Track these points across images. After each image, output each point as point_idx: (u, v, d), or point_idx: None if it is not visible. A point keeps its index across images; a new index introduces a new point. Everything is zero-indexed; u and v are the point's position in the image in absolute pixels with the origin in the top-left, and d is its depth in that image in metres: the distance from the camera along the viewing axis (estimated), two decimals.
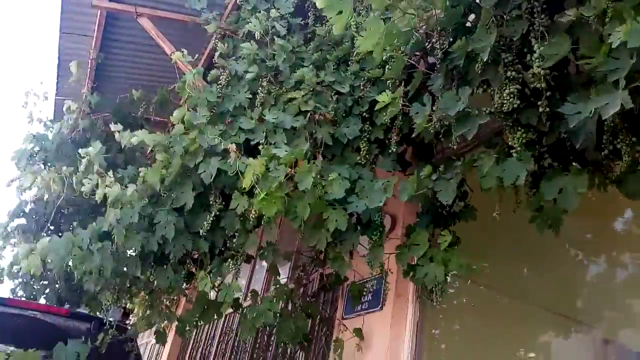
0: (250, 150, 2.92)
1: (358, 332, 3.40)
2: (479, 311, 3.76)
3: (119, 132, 3.27)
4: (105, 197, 3.15)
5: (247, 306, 3.47)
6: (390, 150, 2.81)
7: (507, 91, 2.00)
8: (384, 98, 2.31)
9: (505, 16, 2.02)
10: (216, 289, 3.11)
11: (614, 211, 2.91)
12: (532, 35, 1.95)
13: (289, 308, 3.84)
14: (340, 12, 1.90)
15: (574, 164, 2.04)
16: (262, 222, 2.73)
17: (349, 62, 3.15)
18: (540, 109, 1.95)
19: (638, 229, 2.95)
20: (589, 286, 3.25)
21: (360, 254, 3.12)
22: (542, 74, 1.87)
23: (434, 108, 2.26)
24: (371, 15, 1.94)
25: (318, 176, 2.50)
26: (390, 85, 2.72)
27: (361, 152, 2.88)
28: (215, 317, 3.27)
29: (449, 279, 2.51)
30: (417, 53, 2.77)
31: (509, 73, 2.02)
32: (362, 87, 3.00)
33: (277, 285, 3.45)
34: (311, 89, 2.96)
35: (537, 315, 3.37)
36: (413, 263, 2.60)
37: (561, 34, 1.80)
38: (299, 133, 2.83)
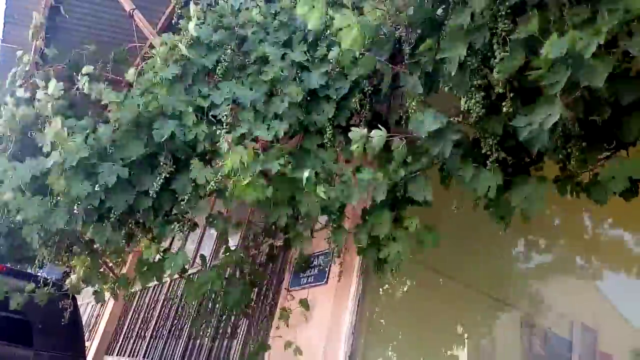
0: (210, 119, 2.85)
1: (304, 303, 3.44)
2: (418, 289, 3.89)
3: (84, 75, 3.10)
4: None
5: (194, 272, 3.44)
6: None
7: (473, 100, 2.01)
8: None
9: (471, 23, 2.04)
10: (161, 254, 3.04)
11: (550, 206, 3.06)
12: (495, 40, 1.95)
13: (237, 275, 3.84)
14: (313, 7, 1.85)
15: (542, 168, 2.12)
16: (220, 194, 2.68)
17: (317, 46, 3.08)
18: (504, 112, 1.95)
19: (571, 224, 3.12)
20: (521, 273, 3.42)
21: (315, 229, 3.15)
22: (503, 80, 1.89)
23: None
24: (344, 12, 1.90)
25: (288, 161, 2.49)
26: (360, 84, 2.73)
27: (325, 136, 2.84)
28: (155, 281, 3.20)
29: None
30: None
31: (474, 81, 2.02)
32: (329, 72, 2.94)
33: (227, 253, 3.41)
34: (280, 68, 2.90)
35: (472, 297, 3.52)
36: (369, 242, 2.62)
37: (517, 47, 1.83)
38: (266, 112, 2.77)
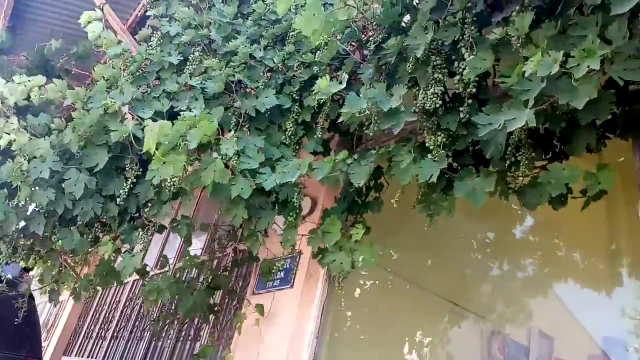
0: (173, 116, 2.79)
1: (260, 309, 3.39)
2: (384, 294, 3.90)
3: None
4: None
5: (153, 275, 3.35)
6: (315, 135, 2.80)
7: (431, 90, 2.05)
8: (322, 84, 2.27)
9: (440, 21, 2.05)
10: (121, 256, 2.96)
11: (509, 216, 3.12)
12: (461, 44, 2.00)
13: (200, 279, 3.76)
14: None
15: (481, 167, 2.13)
16: (179, 195, 2.64)
17: (285, 42, 3.08)
18: (462, 115, 2.02)
19: (530, 234, 3.18)
20: (482, 281, 3.46)
21: (278, 233, 3.11)
22: (471, 80, 1.93)
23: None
24: (311, 1, 1.89)
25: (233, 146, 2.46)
26: (321, 70, 2.71)
27: (286, 132, 2.84)
28: (115, 284, 3.12)
29: (359, 264, 2.55)
30: (353, 43, 2.77)
31: (436, 75, 2.06)
32: (295, 68, 2.95)
33: (187, 257, 3.34)
34: (243, 62, 2.87)
35: (435, 302, 3.55)
36: (323, 247, 2.63)
37: (486, 50, 1.86)
38: (221, 102, 2.73)
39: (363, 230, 2.52)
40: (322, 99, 2.43)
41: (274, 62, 2.91)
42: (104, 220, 3.18)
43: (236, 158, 2.52)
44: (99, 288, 3.25)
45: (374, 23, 2.40)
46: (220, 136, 2.54)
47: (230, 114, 2.76)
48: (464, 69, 1.90)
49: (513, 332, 3.27)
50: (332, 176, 2.43)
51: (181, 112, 2.65)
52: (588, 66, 1.41)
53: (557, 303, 3.06)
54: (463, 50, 1.95)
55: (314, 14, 1.87)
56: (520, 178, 2.01)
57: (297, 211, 2.72)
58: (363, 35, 2.63)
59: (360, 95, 2.22)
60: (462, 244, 3.46)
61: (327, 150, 3.01)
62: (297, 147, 2.90)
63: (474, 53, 1.91)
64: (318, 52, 2.66)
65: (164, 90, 2.79)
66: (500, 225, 3.28)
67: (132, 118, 2.63)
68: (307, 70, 2.87)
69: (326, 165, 2.39)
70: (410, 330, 3.71)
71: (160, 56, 2.97)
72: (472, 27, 2.03)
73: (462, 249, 3.49)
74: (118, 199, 2.84)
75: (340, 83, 2.43)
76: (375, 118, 2.22)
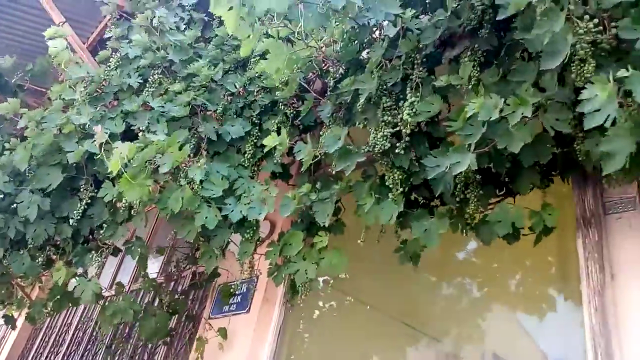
0: (131, 137, 2.76)
1: (222, 332, 3.35)
2: (341, 318, 3.90)
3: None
4: None
5: (109, 297, 3.26)
6: (275, 161, 2.82)
7: (381, 133, 2.12)
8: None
9: (388, 64, 2.14)
10: (76, 279, 2.87)
11: (463, 238, 3.20)
12: (409, 84, 2.07)
13: (156, 303, 3.68)
14: (249, 37, 1.87)
15: (438, 207, 2.23)
16: (132, 214, 2.60)
17: (247, 66, 3.11)
18: (402, 150, 2.10)
19: (479, 258, 3.27)
20: (437, 304, 3.52)
21: (236, 256, 3.10)
22: (409, 122, 2.00)
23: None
24: (273, 41, 1.94)
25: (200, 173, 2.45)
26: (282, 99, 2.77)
27: (245, 155, 2.85)
28: (71, 305, 3.02)
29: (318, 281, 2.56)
30: (312, 73, 2.82)
31: (385, 117, 2.13)
32: (255, 93, 2.98)
33: (145, 279, 3.27)
34: (204, 85, 2.88)
35: (391, 325, 3.58)
36: (281, 263, 2.61)
37: (435, 95, 1.96)
38: (182, 124, 2.73)
39: (327, 237, 2.51)
40: (281, 151, 2.47)
41: (235, 87, 2.93)
42: (57, 243, 3.09)
43: (199, 184, 2.53)
44: (52, 312, 3.13)
45: (334, 59, 2.47)
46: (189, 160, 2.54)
47: (189, 136, 2.76)
48: (405, 111, 1.99)
49: (467, 356, 3.33)
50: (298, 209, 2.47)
51: (140, 132, 2.64)
52: (522, 113, 1.51)
53: (511, 325, 3.14)
54: (408, 91, 2.03)
55: (275, 54, 1.92)
56: (476, 214, 2.08)
57: (255, 228, 2.72)
58: (324, 66, 2.69)
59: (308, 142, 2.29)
60: (418, 266, 3.51)
61: (287, 174, 3.04)
62: (256, 169, 2.91)
63: (418, 94, 1.99)
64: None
65: (121, 111, 2.77)
66: (455, 248, 3.36)
67: (104, 142, 2.58)
68: (267, 95, 2.91)
69: (291, 202, 2.42)
70: (367, 353, 3.72)
71: (120, 78, 2.94)
72: (421, 68, 2.11)
73: (417, 271, 3.55)
74: (71, 220, 2.77)
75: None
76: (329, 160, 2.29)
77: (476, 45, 1.97)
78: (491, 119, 1.59)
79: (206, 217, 2.43)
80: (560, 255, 2.63)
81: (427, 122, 2.13)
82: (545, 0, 1.44)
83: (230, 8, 1.71)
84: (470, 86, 1.83)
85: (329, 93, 2.53)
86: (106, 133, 2.64)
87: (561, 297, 2.61)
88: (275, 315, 3.42)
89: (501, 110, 1.57)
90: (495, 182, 2.16)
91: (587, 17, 1.46)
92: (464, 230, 2.15)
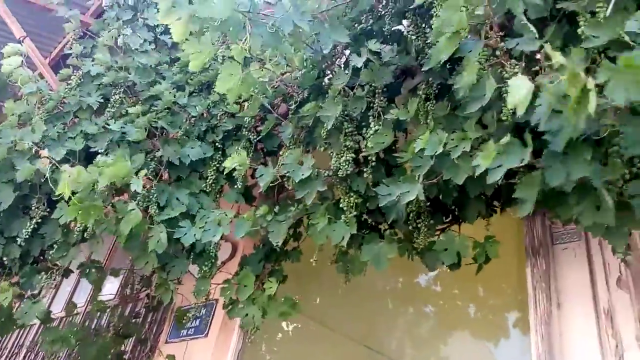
0: (89, 157, 2.71)
1: (171, 359, 3.26)
2: (302, 341, 3.87)
3: None
4: None
5: (62, 319, 3.14)
6: (237, 186, 2.81)
7: (343, 158, 2.16)
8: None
9: (351, 92, 2.19)
10: (23, 301, 2.76)
11: (421, 266, 3.26)
12: (370, 113, 2.13)
13: (110, 326, 3.58)
14: (199, 51, 1.88)
15: (388, 231, 2.26)
16: (85, 236, 2.53)
17: (212, 90, 3.11)
18: (366, 175, 2.14)
19: (437, 283, 3.33)
20: (398, 327, 3.55)
21: (196, 277, 3.05)
22: (371, 148, 2.05)
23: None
24: (227, 62, 1.96)
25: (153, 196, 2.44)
26: (246, 124, 2.79)
27: (207, 180, 2.83)
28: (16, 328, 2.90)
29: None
30: (279, 98, 2.85)
31: (347, 142, 2.18)
32: (219, 117, 2.98)
33: (94, 303, 3.18)
34: (167, 108, 2.87)
35: (351, 347, 3.58)
36: (236, 298, 2.60)
37: (388, 127, 2.03)
38: (142, 147, 2.70)
39: (277, 284, 2.53)
40: (240, 172, 2.48)
41: (198, 110, 2.93)
42: (4, 262, 2.97)
43: (156, 208, 2.50)
44: None
45: (295, 84, 2.51)
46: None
47: (149, 159, 2.72)
48: (369, 139, 2.04)
49: None
50: (255, 231, 2.47)
51: (98, 154, 2.60)
52: (464, 148, 1.57)
53: (466, 350, 3.18)
54: (371, 119, 2.08)
55: (230, 74, 1.94)
56: (423, 241, 2.13)
57: (213, 260, 2.69)
58: (288, 90, 2.72)
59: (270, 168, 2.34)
60: (377, 289, 3.55)
61: (250, 198, 3.03)
62: (218, 195, 2.89)
63: (381, 123, 2.04)
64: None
65: (81, 131, 2.72)
66: (415, 272, 3.40)
67: (48, 161, 2.52)
68: (231, 119, 2.91)
69: (246, 223, 2.41)
70: None
71: (79, 97, 2.90)
72: (382, 98, 2.16)
73: (377, 294, 3.58)
74: (19, 239, 2.68)
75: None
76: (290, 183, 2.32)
77: (430, 79, 2.03)
78: (437, 153, 1.65)
79: (158, 241, 2.40)
80: (515, 282, 2.69)
81: (385, 150, 2.18)
82: (469, 59, 1.53)
83: (179, 18, 1.72)
84: (419, 119, 1.89)
85: (290, 115, 2.56)
86: (63, 153, 2.60)
87: (513, 324, 2.66)
88: (234, 340, 3.36)
89: (445, 145, 1.63)
90: (443, 210, 2.22)
91: (513, 61, 1.56)
92: (410, 256, 2.20)
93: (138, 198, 2.43)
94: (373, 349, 3.56)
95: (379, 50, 2.21)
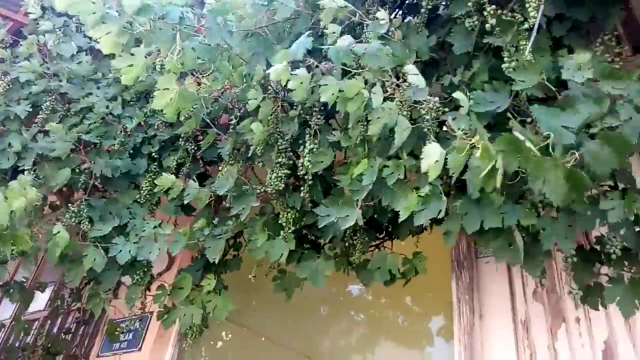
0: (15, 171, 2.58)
1: None
2: (241, 352, 3.85)
3: None
4: None
5: None
6: (173, 198, 2.76)
7: (275, 174, 2.17)
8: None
9: (288, 109, 2.22)
10: None
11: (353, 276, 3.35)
12: (307, 131, 2.15)
13: (38, 342, 3.41)
14: (132, 65, 1.85)
15: (327, 245, 2.31)
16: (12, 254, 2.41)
17: (149, 99, 3.04)
18: (302, 194, 2.17)
19: (370, 294, 3.43)
20: (332, 336, 3.61)
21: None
22: (309, 167, 2.08)
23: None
24: (163, 76, 1.93)
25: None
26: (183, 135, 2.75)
27: (142, 192, 2.76)
28: None
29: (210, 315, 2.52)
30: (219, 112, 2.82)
31: (280, 159, 2.19)
32: (156, 127, 2.92)
33: (16, 322, 3.02)
34: (101, 118, 2.78)
35: (290, 357, 3.61)
36: (171, 305, 2.55)
37: (327, 148, 2.07)
38: (68, 163, 2.60)
39: (215, 280, 2.50)
40: (177, 191, 2.46)
41: (134, 122, 2.84)
42: None
43: (87, 223, 2.42)
44: None
45: (235, 100, 2.50)
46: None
47: (78, 173, 2.62)
48: (306, 158, 2.06)
49: None
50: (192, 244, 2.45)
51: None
52: (399, 175, 1.65)
53: (400, 357, 3.29)
54: (307, 137, 2.11)
55: (166, 88, 1.91)
56: (358, 257, 2.20)
57: (146, 270, 2.63)
58: (229, 105, 2.71)
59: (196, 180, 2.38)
60: (314, 299, 3.59)
61: (189, 209, 2.99)
62: (155, 207, 2.82)
63: (317, 142, 2.08)
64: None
65: (9, 144, 2.58)
66: (349, 281, 3.48)
67: None
68: (168, 130, 2.86)
69: (182, 238, 2.39)
70: None
71: (5, 106, 2.74)
72: (319, 116, 2.19)
73: (314, 303, 3.63)
74: None
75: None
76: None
77: None
78: (374, 180, 1.72)
79: (94, 260, 2.32)
80: (443, 293, 2.82)
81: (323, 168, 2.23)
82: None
83: (108, 32, 1.69)
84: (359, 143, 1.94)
85: (230, 131, 2.56)
86: None
87: (439, 333, 2.79)
88: (169, 353, 3.29)
89: (381, 171, 1.70)
90: (377, 228, 2.30)
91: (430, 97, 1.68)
92: (346, 271, 2.25)
93: (67, 215, 2.34)
94: (310, 358, 3.61)
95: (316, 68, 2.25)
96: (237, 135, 2.42)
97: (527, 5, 1.72)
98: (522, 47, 1.73)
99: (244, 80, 2.48)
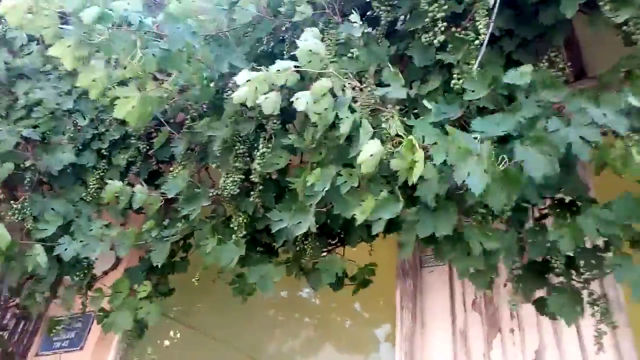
0: None
1: None
2: (186, 353, 3.81)
3: None
4: None
5: None
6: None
7: (231, 179, 2.15)
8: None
9: (243, 114, 2.21)
10: None
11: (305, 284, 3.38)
12: (262, 135, 2.13)
13: None
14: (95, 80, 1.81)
15: (280, 249, 2.32)
16: None
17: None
18: (252, 199, 2.17)
19: (319, 298, 3.47)
20: (280, 337, 3.63)
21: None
22: (259, 172, 2.07)
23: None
24: (124, 87, 1.89)
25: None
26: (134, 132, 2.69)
27: (89, 189, 2.67)
28: None
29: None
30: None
31: (237, 163, 2.18)
32: (108, 123, 2.83)
33: None
34: (50, 113, 2.68)
35: (234, 357, 3.60)
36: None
37: (282, 151, 2.07)
38: (13, 157, 2.50)
39: (150, 287, 2.46)
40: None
41: (84, 117, 2.75)
42: None
43: (31, 222, 2.34)
44: None
45: (193, 100, 2.47)
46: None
47: (23, 168, 2.52)
48: (256, 161, 2.06)
49: None
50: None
51: None
52: (352, 184, 1.69)
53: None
54: (261, 141, 2.11)
55: (127, 97, 1.87)
56: (308, 262, 2.22)
57: (87, 271, 2.56)
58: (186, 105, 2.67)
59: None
60: (263, 301, 3.59)
61: (139, 208, 2.92)
62: (102, 206, 2.73)
63: (270, 146, 2.09)
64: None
65: None
66: (300, 285, 3.51)
67: None
68: (119, 127, 2.78)
69: (128, 240, 2.34)
70: None
71: None
72: (275, 121, 2.18)
73: (264, 305, 3.64)
74: None
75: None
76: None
77: None
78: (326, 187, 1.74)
79: (38, 258, 2.24)
80: (390, 300, 2.89)
81: (278, 171, 2.22)
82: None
83: (69, 46, 1.64)
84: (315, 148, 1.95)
85: (184, 130, 2.52)
86: None
87: (384, 339, 2.86)
88: (112, 354, 3.21)
89: (335, 179, 1.72)
90: (330, 233, 2.31)
91: (389, 106, 1.72)
92: (297, 275, 2.27)
93: (10, 212, 2.25)
94: None
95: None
96: (192, 135, 2.40)
97: (477, 22, 1.80)
98: (472, 63, 1.80)
99: (204, 81, 2.46)
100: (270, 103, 1.57)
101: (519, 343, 2.04)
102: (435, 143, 1.50)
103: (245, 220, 2.22)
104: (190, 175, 2.34)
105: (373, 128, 1.73)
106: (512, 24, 1.96)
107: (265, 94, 1.60)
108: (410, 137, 1.39)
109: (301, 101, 1.53)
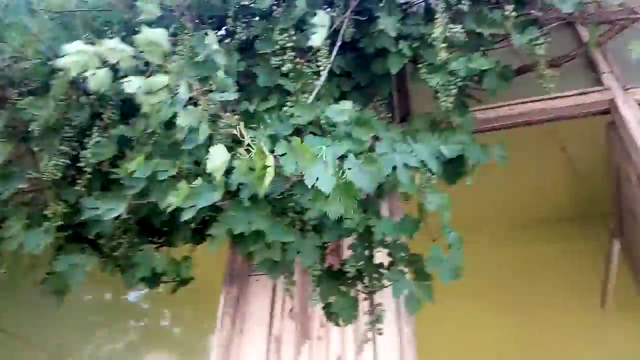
0: None
1: None
2: None
3: None
4: None
5: None
6: None
7: (53, 162, 2.03)
8: None
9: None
10: None
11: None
12: (98, 123, 2.08)
13: None
14: None
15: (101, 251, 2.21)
16: None
17: None
18: (78, 187, 2.08)
19: (148, 301, 3.38)
20: (98, 342, 3.44)
21: None
22: (91, 160, 2.01)
23: None
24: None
25: None
26: None
27: None
28: None
29: None
30: None
31: (62, 147, 2.08)
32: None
33: None
34: None
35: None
36: None
37: (111, 140, 2.04)
38: None
39: None
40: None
41: None
42: None
43: None
44: None
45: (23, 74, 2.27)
46: None
47: None
48: (89, 150, 1.98)
49: None
50: None
51: None
52: (171, 174, 1.74)
53: None
54: (95, 130, 2.03)
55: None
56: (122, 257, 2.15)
57: None
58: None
59: None
60: (88, 305, 3.39)
61: None
62: None
63: (106, 135, 2.02)
64: None
65: None
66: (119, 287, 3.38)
67: None
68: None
69: None
70: None
71: None
72: (114, 110, 2.11)
73: (89, 309, 3.43)
74: None
75: None
76: None
77: None
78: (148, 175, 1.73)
79: None
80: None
81: (109, 163, 2.13)
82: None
83: None
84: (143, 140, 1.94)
85: (8, 104, 2.31)
86: None
87: (200, 345, 2.87)
88: None
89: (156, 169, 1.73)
90: (151, 231, 2.27)
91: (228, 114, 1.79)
92: (111, 271, 2.20)
93: None
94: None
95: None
96: (15, 112, 2.20)
97: (319, 60, 1.98)
98: (308, 95, 1.96)
99: (39, 57, 2.29)
100: (99, 79, 1.51)
101: (324, 350, 2.20)
102: (285, 154, 1.56)
103: (64, 210, 2.08)
104: (8, 153, 2.13)
105: (212, 131, 1.79)
106: (352, 67, 2.18)
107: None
108: (262, 144, 1.44)
109: (132, 84, 1.51)
